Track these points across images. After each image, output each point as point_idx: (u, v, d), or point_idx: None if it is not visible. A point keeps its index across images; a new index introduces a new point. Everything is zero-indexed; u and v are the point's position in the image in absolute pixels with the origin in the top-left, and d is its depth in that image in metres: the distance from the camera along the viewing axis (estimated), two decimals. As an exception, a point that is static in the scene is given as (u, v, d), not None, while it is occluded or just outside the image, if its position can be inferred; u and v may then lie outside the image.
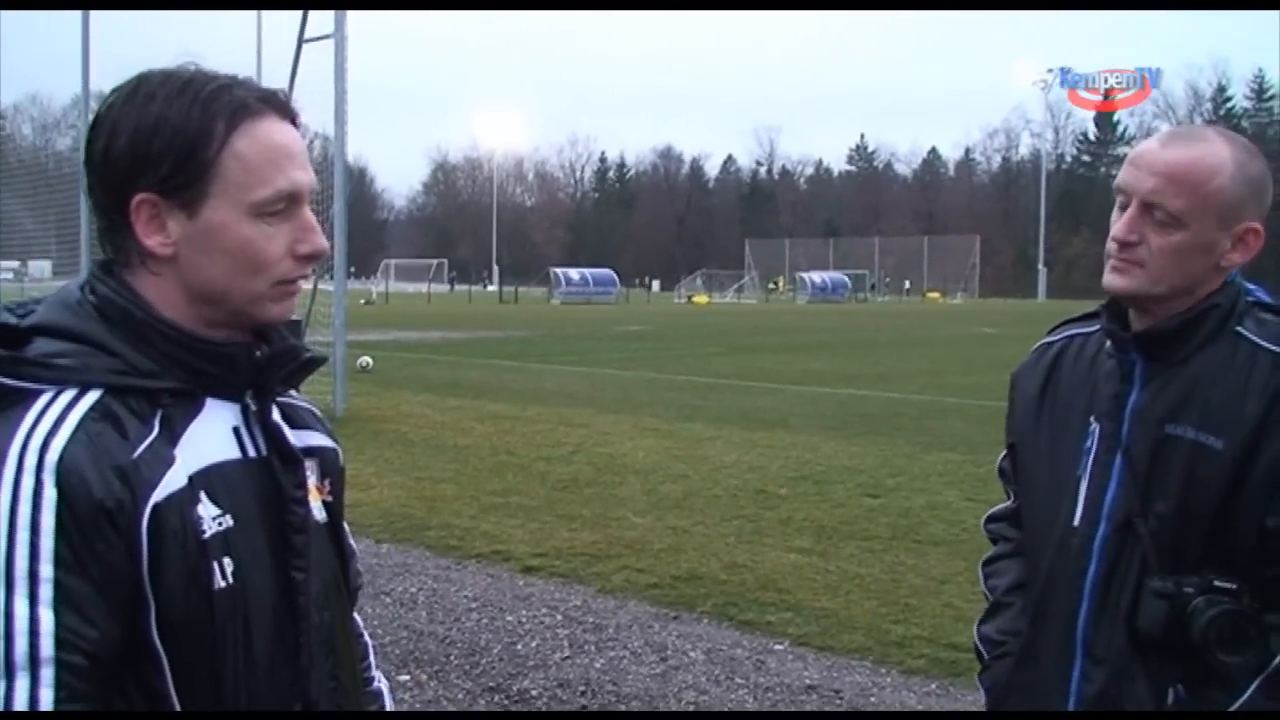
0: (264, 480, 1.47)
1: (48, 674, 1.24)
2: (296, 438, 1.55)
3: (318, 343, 17.12)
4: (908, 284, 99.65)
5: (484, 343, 30.15)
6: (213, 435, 1.44)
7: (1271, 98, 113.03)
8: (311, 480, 1.57)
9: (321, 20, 14.86)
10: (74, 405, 1.33)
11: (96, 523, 1.28)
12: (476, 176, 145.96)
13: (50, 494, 1.27)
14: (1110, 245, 2.01)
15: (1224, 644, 1.86)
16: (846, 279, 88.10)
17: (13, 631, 1.23)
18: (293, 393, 1.63)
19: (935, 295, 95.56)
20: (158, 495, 1.33)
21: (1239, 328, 2.01)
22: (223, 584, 1.37)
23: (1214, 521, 1.94)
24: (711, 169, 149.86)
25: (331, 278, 15.35)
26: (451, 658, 5.80)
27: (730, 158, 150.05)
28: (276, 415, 1.53)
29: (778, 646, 6.00)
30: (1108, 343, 2.12)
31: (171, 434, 1.39)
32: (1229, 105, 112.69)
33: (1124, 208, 2.00)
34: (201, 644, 1.36)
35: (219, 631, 1.37)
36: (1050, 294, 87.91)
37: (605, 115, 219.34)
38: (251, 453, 1.48)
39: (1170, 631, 1.91)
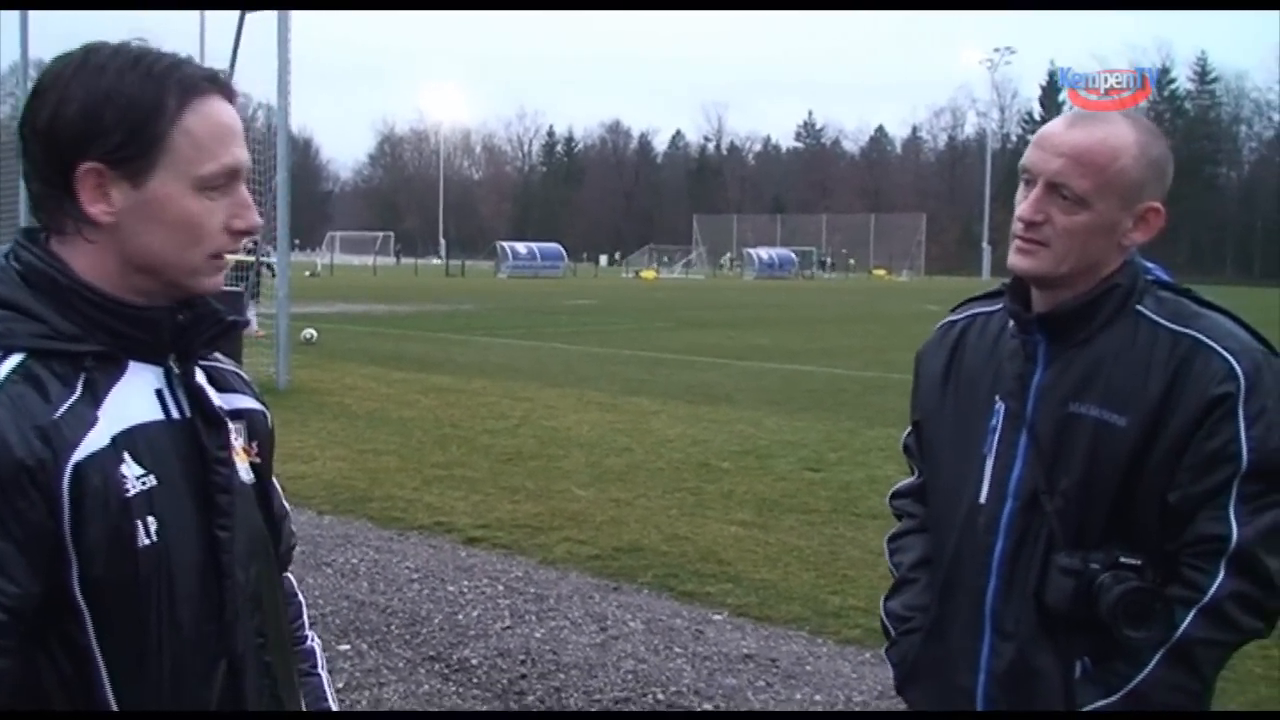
0: (187, 441, 1.51)
1: None
2: (224, 400, 1.60)
3: (262, 315, 17.00)
4: (852, 260, 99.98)
5: (430, 316, 30.00)
6: (136, 397, 1.48)
7: (1214, 80, 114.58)
8: (239, 442, 1.62)
9: (265, -10, 14.71)
10: None
11: (18, 481, 1.32)
12: (423, 149, 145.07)
13: None
14: (1016, 225, 2.06)
15: (1131, 620, 1.91)
16: (793, 255, 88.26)
17: None
18: (220, 357, 1.68)
19: (881, 272, 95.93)
20: (79, 454, 1.37)
21: (1139, 306, 2.06)
22: (146, 542, 1.42)
23: (1117, 497, 2.00)
24: (660, 144, 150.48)
25: (275, 249, 15.25)
26: (392, 627, 5.84)
27: (679, 133, 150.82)
28: (201, 378, 1.58)
29: (716, 617, 6.09)
30: (1011, 323, 2.17)
31: (94, 396, 1.43)
32: (1172, 87, 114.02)
33: (1030, 185, 2.05)
34: (125, 599, 1.41)
35: (142, 587, 1.42)
36: (994, 271, 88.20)
37: (553, 89, 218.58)
38: (175, 414, 1.52)
39: (1077, 607, 1.97)
